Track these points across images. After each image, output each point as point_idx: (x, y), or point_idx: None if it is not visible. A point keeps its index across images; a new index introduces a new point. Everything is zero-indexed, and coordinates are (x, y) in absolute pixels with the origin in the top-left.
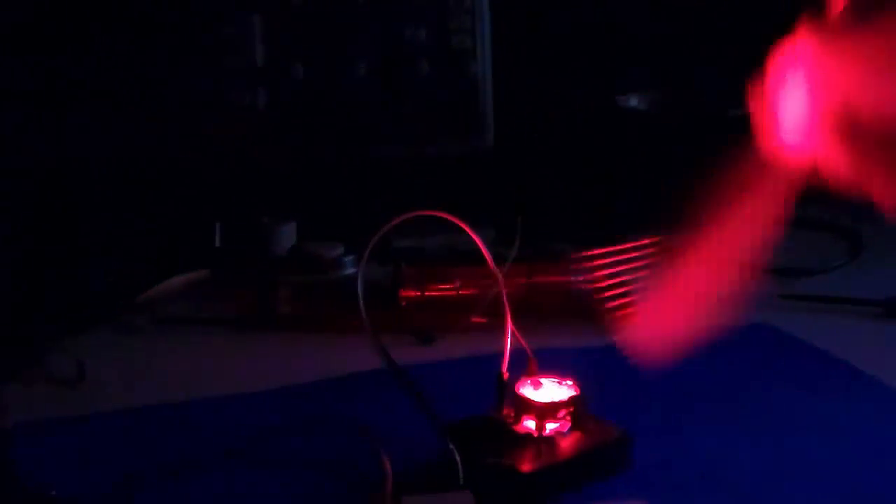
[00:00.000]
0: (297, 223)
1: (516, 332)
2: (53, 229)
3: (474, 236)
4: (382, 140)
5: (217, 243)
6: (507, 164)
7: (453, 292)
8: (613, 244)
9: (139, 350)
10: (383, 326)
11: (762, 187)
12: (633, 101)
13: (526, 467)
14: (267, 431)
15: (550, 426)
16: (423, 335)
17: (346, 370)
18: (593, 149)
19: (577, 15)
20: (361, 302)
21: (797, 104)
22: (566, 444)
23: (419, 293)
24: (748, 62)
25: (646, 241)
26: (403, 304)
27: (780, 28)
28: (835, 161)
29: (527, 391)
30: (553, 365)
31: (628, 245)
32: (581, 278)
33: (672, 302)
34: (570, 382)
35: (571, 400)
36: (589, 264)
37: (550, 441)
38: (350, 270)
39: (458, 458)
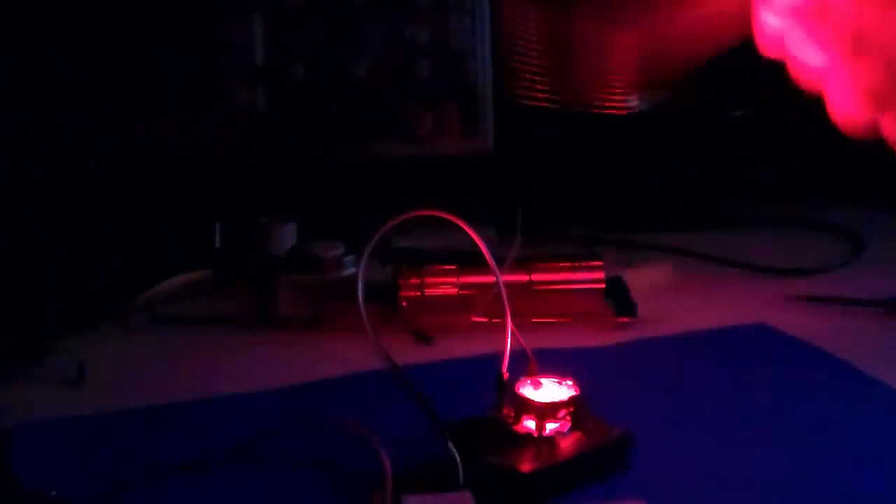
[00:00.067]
0: (297, 223)
1: (516, 332)
2: (53, 229)
3: (474, 236)
4: (382, 140)
5: (217, 243)
6: (507, 163)
7: (453, 292)
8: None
9: (139, 350)
10: (383, 326)
11: None
12: (634, 102)
13: (526, 467)
14: (267, 431)
15: (550, 426)
16: (423, 335)
17: (346, 370)
18: (593, 149)
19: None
20: (361, 302)
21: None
22: (566, 444)
23: (419, 293)
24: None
25: None
26: (403, 304)
27: None
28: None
29: (527, 391)
30: (553, 365)
31: None
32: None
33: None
34: (570, 382)
35: (571, 400)
36: None
37: (550, 441)
38: (350, 270)
39: (458, 458)
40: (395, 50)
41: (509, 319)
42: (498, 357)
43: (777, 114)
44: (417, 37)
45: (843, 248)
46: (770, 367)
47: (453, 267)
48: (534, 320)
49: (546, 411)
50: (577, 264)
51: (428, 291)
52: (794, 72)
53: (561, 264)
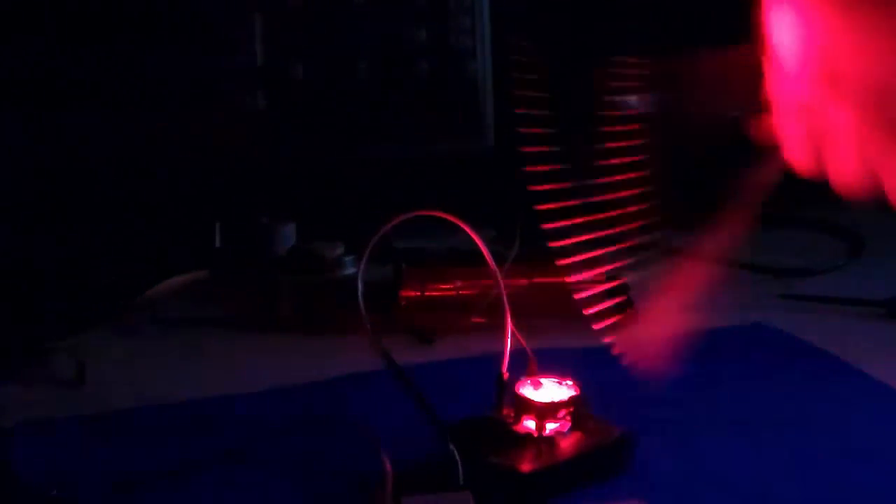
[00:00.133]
0: (297, 223)
1: (516, 332)
2: (53, 229)
3: (474, 236)
4: (382, 140)
5: (217, 243)
6: (507, 164)
7: (453, 292)
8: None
9: (139, 350)
10: (383, 326)
11: (755, 182)
12: (634, 101)
13: (526, 467)
14: (267, 431)
15: (550, 426)
16: (423, 335)
17: (346, 370)
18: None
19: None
20: (361, 302)
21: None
22: (566, 444)
23: (419, 293)
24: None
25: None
26: (403, 304)
27: None
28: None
29: (527, 391)
30: (553, 365)
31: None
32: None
33: (669, 305)
34: (570, 382)
35: (571, 400)
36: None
37: (550, 441)
38: (350, 270)
39: (458, 458)
40: (395, 50)
41: (509, 319)
42: (498, 357)
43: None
44: (417, 37)
45: (843, 248)
46: (770, 367)
47: (453, 267)
48: (534, 320)
49: (546, 411)
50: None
51: (428, 291)
52: (838, 180)
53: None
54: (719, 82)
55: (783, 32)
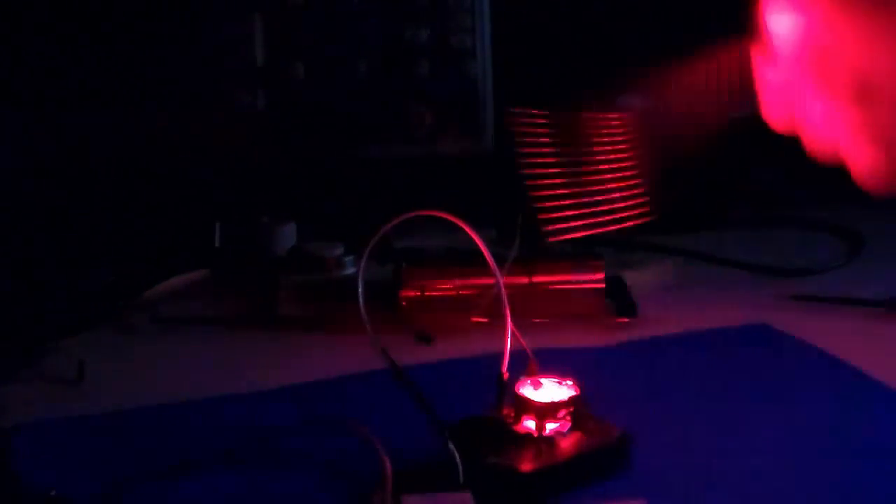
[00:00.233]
0: (297, 223)
1: (516, 332)
2: (53, 229)
3: (474, 236)
4: (382, 140)
5: (217, 243)
6: (507, 164)
7: (453, 292)
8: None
9: (139, 350)
10: (383, 326)
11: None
12: (633, 102)
13: (526, 467)
14: (267, 431)
15: (550, 426)
16: (423, 335)
17: (346, 370)
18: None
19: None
20: (361, 302)
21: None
22: (566, 444)
23: (419, 293)
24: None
25: None
26: (403, 304)
27: None
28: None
29: (527, 391)
30: (553, 365)
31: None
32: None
33: None
34: (570, 382)
35: (571, 400)
36: None
37: (550, 441)
38: (350, 270)
39: (458, 458)
40: (395, 50)
41: (509, 319)
42: (498, 357)
43: None
44: (417, 37)
45: (842, 248)
46: (770, 367)
47: (453, 267)
48: (534, 320)
49: (546, 411)
50: (577, 264)
51: (428, 291)
52: (808, 141)
53: (561, 264)
54: (709, 85)
55: (779, 20)
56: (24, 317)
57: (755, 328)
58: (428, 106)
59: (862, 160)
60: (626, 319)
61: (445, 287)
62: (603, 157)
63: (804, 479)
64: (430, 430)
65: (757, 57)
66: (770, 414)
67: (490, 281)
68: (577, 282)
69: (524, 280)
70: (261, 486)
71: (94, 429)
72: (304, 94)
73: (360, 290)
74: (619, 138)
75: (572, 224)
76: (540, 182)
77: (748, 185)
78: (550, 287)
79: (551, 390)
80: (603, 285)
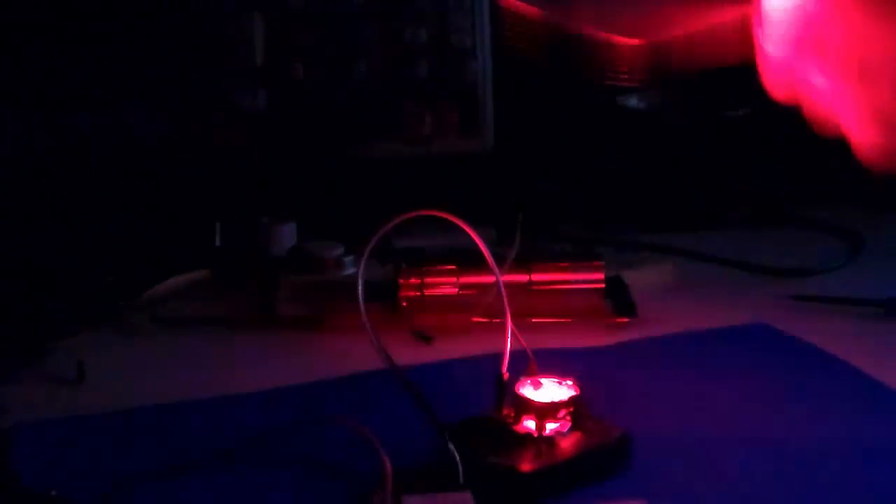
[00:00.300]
0: (297, 223)
1: (516, 332)
2: (54, 229)
3: (474, 236)
4: (382, 140)
5: (217, 243)
6: (507, 163)
7: (453, 292)
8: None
9: (139, 350)
10: (383, 326)
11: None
12: (633, 102)
13: (526, 467)
14: (267, 431)
15: (550, 426)
16: (423, 335)
17: (346, 370)
18: (593, 149)
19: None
20: (361, 302)
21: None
22: (566, 444)
23: (419, 293)
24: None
25: None
26: (403, 304)
27: None
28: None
29: (527, 391)
30: (553, 365)
31: None
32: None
33: None
34: (570, 382)
35: (571, 400)
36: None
37: (550, 441)
38: (350, 270)
39: (458, 459)
40: (395, 50)
41: (509, 319)
42: (498, 357)
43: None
44: (417, 37)
45: (842, 248)
46: (770, 367)
47: (453, 267)
48: (534, 320)
49: (546, 411)
50: (577, 264)
51: (428, 291)
52: (808, 112)
53: (561, 264)
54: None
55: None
56: (24, 317)
57: (755, 328)
58: (428, 106)
59: (862, 136)
60: (626, 319)
61: (445, 287)
62: None
63: (804, 479)
64: (430, 430)
65: (758, 30)
66: (770, 414)
67: (490, 281)
68: (577, 282)
69: (524, 280)
70: (261, 486)
71: (94, 429)
72: (304, 94)
73: (360, 290)
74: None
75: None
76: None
77: (748, 185)
78: (550, 287)
79: (551, 390)
80: (603, 285)
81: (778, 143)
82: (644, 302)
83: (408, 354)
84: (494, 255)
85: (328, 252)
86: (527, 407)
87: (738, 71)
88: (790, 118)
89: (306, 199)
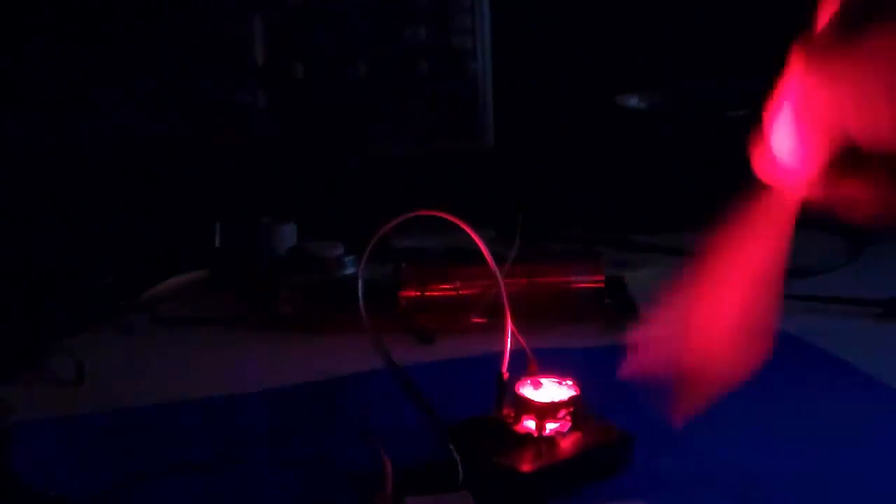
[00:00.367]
0: (297, 223)
1: (516, 332)
2: (53, 229)
3: (474, 236)
4: (382, 140)
5: (217, 243)
6: (507, 163)
7: (453, 292)
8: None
9: (139, 350)
10: (383, 326)
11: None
12: (633, 101)
13: (526, 467)
14: (267, 431)
15: (550, 426)
16: (423, 335)
17: (346, 370)
18: (593, 149)
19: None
20: (361, 302)
21: (789, 131)
22: (566, 444)
23: (419, 293)
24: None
25: None
26: (403, 304)
27: (776, 30)
28: (833, 187)
29: (527, 391)
30: (553, 365)
31: None
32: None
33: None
34: (570, 382)
35: (571, 400)
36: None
37: (550, 441)
38: (350, 270)
39: (458, 458)
40: (395, 50)
41: (509, 319)
42: (498, 357)
43: None
44: (417, 37)
45: (843, 248)
46: (769, 367)
47: (453, 267)
48: (534, 320)
49: (546, 411)
50: (577, 264)
51: (428, 291)
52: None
53: (561, 264)
54: None
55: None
56: (24, 317)
57: None
58: (428, 106)
59: (859, 204)
60: (626, 319)
61: (445, 287)
62: None
63: (804, 478)
64: (430, 430)
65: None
66: (770, 414)
67: (490, 281)
68: (577, 282)
69: (524, 280)
70: (261, 486)
71: (94, 429)
72: (304, 94)
73: (359, 290)
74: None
75: None
76: None
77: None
78: (550, 287)
79: (551, 390)
80: (603, 285)
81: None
82: (644, 302)
83: (408, 354)
84: (494, 255)
85: (328, 252)
86: (527, 407)
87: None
88: None
89: (306, 199)
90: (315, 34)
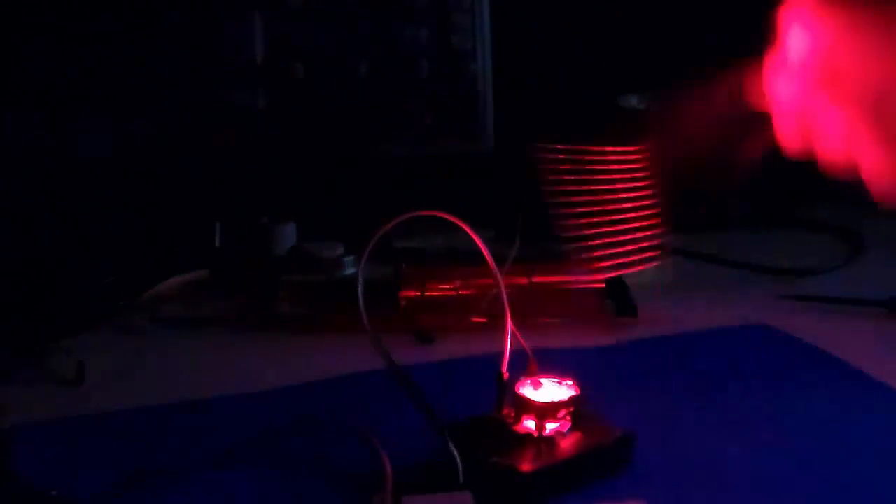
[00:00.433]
0: (297, 223)
1: (516, 332)
2: (53, 229)
3: (474, 236)
4: (382, 140)
5: (217, 243)
6: (507, 164)
7: (453, 292)
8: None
9: (139, 350)
10: (383, 326)
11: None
12: (633, 102)
13: (526, 467)
14: (266, 432)
15: (550, 426)
16: (423, 335)
17: (346, 370)
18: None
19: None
20: (361, 302)
21: (795, 82)
22: (566, 444)
23: (419, 293)
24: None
25: None
26: (403, 304)
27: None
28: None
29: (527, 391)
30: (553, 365)
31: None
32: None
33: None
34: (570, 382)
35: (571, 400)
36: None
37: (550, 441)
38: (350, 270)
39: (458, 458)
40: (395, 50)
41: (509, 319)
42: (498, 357)
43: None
44: (417, 37)
45: (843, 248)
46: (770, 367)
47: (453, 267)
48: (534, 320)
49: (546, 411)
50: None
51: (428, 291)
52: (823, 157)
53: (561, 264)
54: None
55: (794, 39)
56: (24, 317)
57: (755, 328)
58: (428, 106)
59: (877, 171)
60: (626, 319)
61: (445, 287)
62: (624, 192)
63: (804, 478)
64: (430, 430)
65: (772, 74)
66: (770, 414)
67: (490, 281)
68: (577, 282)
69: (524, 280)
70: (261, 486)
71: (93, 429)
72: (304, 94)
73: (359, 290)
74: (638, 172)
75: (600, 263)
76: (568, 220)
77: (748, 184)
78: (550, 287)
79: (551, 390)
80: (603, 285)
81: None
82: (644, 302)
83: (408, 354)
84: (494, 255)
85: (328, 252)
86: (527, 407)
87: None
88: None
89: (306, 199)
90: (315, 34)
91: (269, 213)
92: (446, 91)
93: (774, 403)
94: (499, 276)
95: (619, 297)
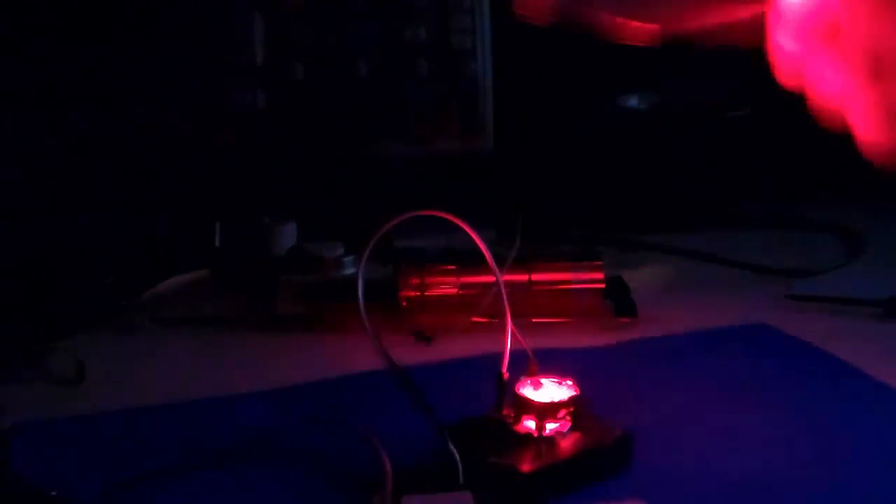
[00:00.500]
0: (297, 223)
1: (516, 332)
2: (53, 229)
3: (474, 236)
4: (382, 140)
5: (217, 243)
6: (507, 164)
7: (453, 292)
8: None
9: (139, 350)
10: (383, 326)
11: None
12: (633, 101)
13: (526, 467)
14: (267, 431)
15: (550, 426)
16: (423, 335)
17: (346, 370)
18: (593, 149)
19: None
20: (361, 302)
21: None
22: (566, 444)
23: (419, 293)
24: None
25: None
26: (403, 304)
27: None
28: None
29: (527, 391)
30: (553, 365)
31: None
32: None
33: None
34: (570, 382)
35: (571, 400)
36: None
37: (550, 441)
38: (350, 270)
39: (458, 458)
40: (395, 50)
41: (509, 319)
42: (498, 357)
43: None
44: (417, 37)
45: (842, 248)
46: (770, 367)
47: (453, 267)
48: (534, 320)
49: (546, 411)
50: (577, 264)
51: (428, 291)
52: (815, 103)
53: (561, 264)
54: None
55: None
56: (24, 317)
57: (755, 328)
58: (428, 106)
59: (870, 133)
60: (626, 319)
61: (445, 287)
62: None
63: (804, 479)
64: (430, 430)
65: (771, 23)
66: (770, 414)
67: (490, 281)
68: (577, 282)
69: (524, 280)
70: (261, 486)
71: (93, 429)
72: (304, 94)
73: (359, 290)
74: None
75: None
76: None
77: (749, 184)
78: (550, 287)
79: (551, 390)
80: (603, 285)
81: (778, 143)
82: (644, 302)
83: (408, 354)
84: (494, 255)
85: (328, 252)
86: (527, 407)
87: (740, 71)
88: (790, 118)
89: (306, 199)
90: (315, 34)
91: (270, 213)
92: (446, 91)
93: (774, 403)
94: (499, 276)
95: (619, 297)
